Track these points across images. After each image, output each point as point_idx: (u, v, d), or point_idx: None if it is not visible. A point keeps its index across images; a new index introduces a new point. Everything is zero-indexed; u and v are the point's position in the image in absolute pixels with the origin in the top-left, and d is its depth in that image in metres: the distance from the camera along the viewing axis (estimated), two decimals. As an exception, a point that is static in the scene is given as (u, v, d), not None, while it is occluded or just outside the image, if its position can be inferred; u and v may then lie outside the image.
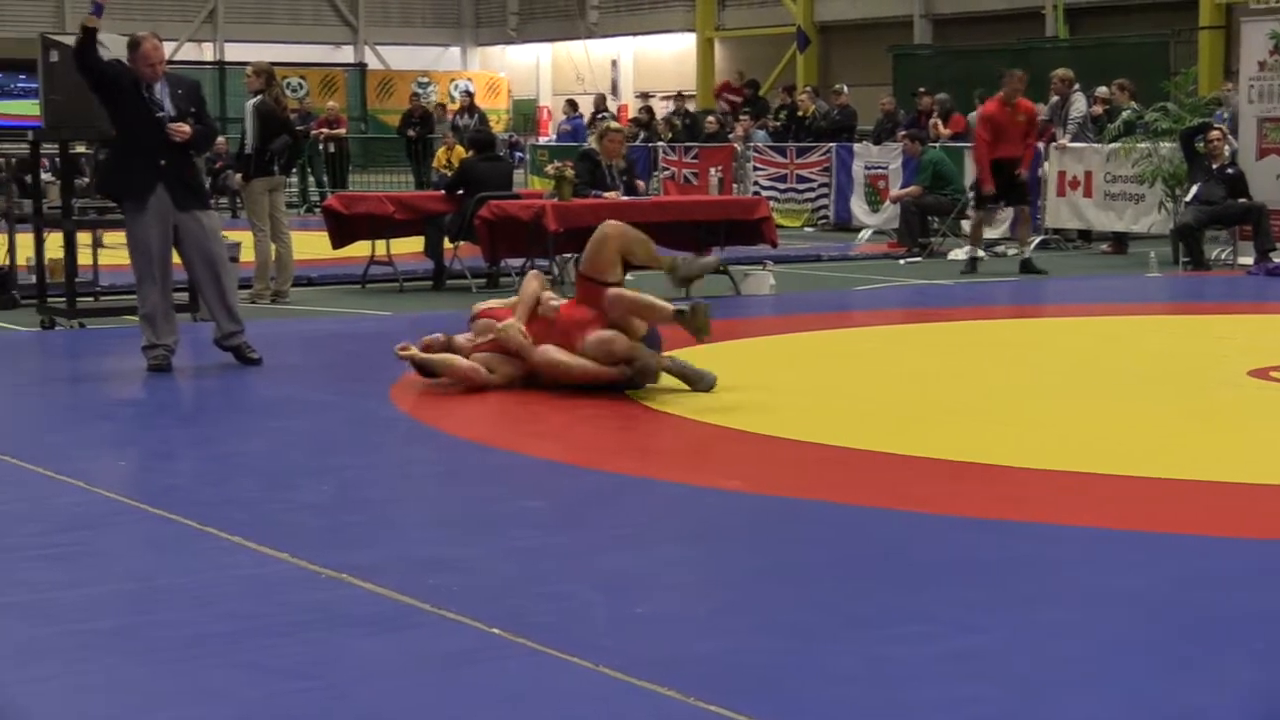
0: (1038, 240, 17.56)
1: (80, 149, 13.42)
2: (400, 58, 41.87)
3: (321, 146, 26.28)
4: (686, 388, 8.06)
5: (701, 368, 8.17)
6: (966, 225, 18.20)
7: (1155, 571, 4.98)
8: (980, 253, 15.98)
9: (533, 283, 8.40)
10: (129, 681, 4.02)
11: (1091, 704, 3.81)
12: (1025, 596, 4.69)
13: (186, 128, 8.98)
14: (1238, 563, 5.12)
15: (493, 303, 8.77)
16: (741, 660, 4.13)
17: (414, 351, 8.33)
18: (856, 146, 21.68)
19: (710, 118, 25.85)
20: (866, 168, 21.04)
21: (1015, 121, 15.55)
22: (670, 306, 8.15)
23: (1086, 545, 5.32)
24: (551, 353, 8.07)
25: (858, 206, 21.09)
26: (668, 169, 23.73)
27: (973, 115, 18.50)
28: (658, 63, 38.69)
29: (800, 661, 4.10)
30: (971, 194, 16.50)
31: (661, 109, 30.02)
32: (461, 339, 8.46)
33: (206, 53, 39.61)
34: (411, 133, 27.56)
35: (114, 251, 14.46)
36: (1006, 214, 16.98)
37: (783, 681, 3.96)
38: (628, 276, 13.57)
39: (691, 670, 4.01)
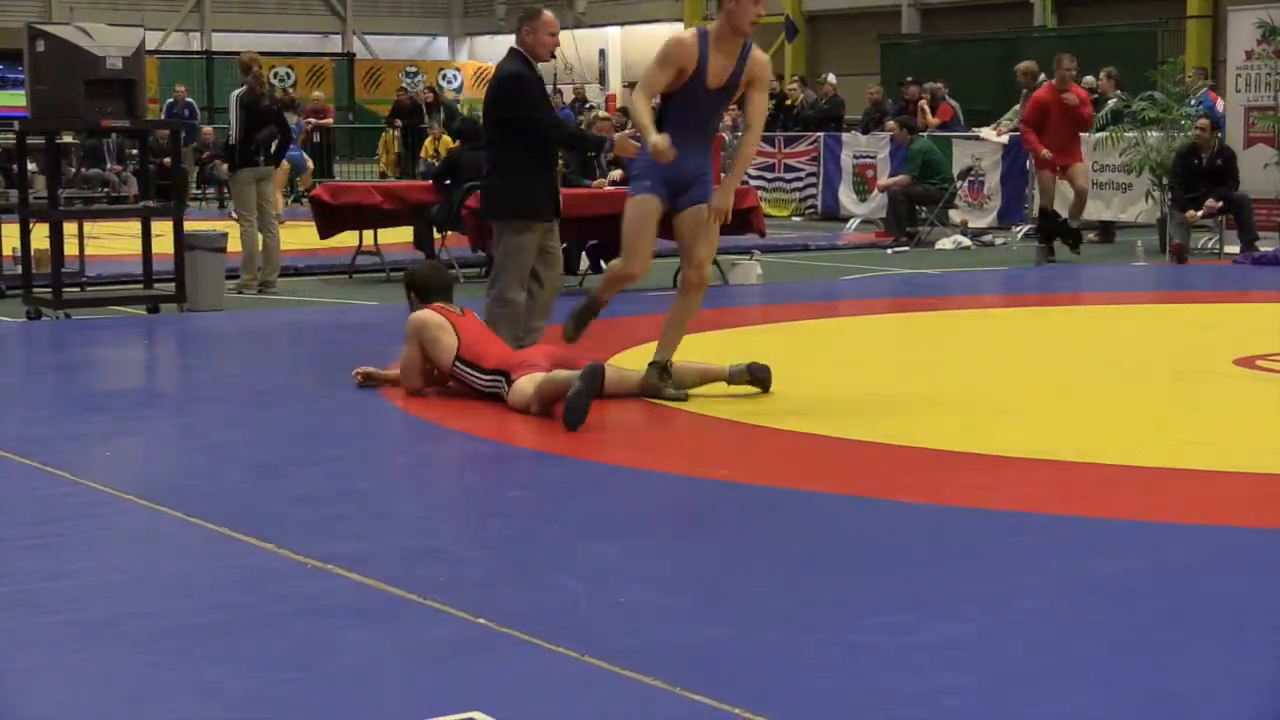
0: (1025, 230, 17.59)
1: (67, 138, 13.40)
2: (388, 47, 41.82)
3: (316, 138, 26.23)
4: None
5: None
6: (955, 215, 18.24)
7: (1134, 559, 5.01)
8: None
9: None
10: (118, 673, 4.03)
11: (1069, 692, 3.84)
12: (1004, 585, 4.71)
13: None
14: (1217, 549, 5.16)
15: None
16: (725, 649, 4.15)
17: (368, 370, 8.14)
18: (845, 136, 21.65)
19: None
20: (854, 157, 21.04)
21: (1066, 108, 15.27)
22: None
23: (1066, 533, 5.35)
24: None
25: (846, 196, 21.08)
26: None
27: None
28: (646, 52, 38.43)
29: (782, 651, 4.13)
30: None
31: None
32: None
33: (194, 43, 39.54)
34: (398, 122, 27.47)
35: (100, 242, 14.45)
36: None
37: (765, 671, 3.98)
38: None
39: (675, 659, 4.03)
